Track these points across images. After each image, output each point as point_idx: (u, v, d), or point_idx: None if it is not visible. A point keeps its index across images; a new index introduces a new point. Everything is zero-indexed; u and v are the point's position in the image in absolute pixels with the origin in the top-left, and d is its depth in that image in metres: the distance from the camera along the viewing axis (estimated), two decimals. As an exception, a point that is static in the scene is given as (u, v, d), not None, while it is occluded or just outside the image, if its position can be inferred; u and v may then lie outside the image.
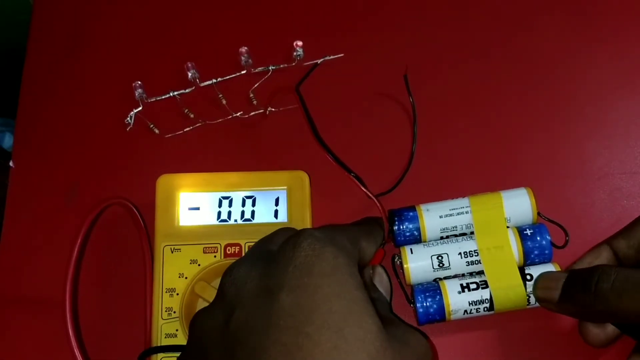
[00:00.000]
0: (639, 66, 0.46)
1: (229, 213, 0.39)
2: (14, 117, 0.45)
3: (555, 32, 0.47)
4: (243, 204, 0.39)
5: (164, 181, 0.39)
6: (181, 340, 0.36)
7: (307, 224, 0.38)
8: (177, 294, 0.36)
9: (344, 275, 0.25)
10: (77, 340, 0.36)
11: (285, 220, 0.38)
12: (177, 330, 0.36)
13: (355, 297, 0.25)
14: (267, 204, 0.39)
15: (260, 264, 0.27)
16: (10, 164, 0.44)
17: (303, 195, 0.39)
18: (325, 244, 0.26)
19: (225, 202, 0.39)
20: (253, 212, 0.39)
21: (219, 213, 0.39)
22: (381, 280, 0.36)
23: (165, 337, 0.36)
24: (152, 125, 0.44)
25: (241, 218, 0.39)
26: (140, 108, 0.44)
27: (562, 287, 0.33)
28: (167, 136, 0.44)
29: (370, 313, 0.25)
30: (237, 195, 0.39)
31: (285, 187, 0.39)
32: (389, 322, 0.27)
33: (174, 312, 0.36)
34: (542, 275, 0.36)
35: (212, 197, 0.39)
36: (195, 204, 0.39)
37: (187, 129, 0.44)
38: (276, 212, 0.39)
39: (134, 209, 0.39)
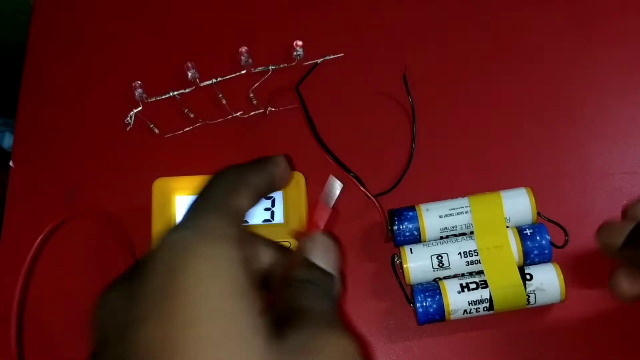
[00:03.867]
0: (639, 66, 0.46)
1: None
2: (14, 117, 0.45)
3: (556, 33, 0.47)
4: None
5: (160, 185, 0.39)
6: None
7: (304, 224, 0.38)
8: None
9: (215, 287, 0.20)
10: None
11: (282, 221, 0.38)
12: None
13: (232, 312, 0.20)
14: (263, 205, 0.39)
15: (125, 289, 0.22)
16: (10, 164, 0.44)
17: (299, 195, 0.39)
18: (187, 249, 0.21)
19: None
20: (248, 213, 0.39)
21: None
22: (324, 253, 0.26)
23: None
24: (152, 125, 0.44)
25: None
26: (140, 108, 0.44)
27: (628, 234, 0.32)
28: (167, 136, 0.44)
29: (254, 331, 0.20)
30: None
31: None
32: (301, 324, 0.22)
33: None
34: (606, 224, 0.34)
35: None
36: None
37: (187, 129, 0.44)
38: (272, 213, 0.39)
39: (113, 218, 0.39)
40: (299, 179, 0.39)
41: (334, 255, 0.26)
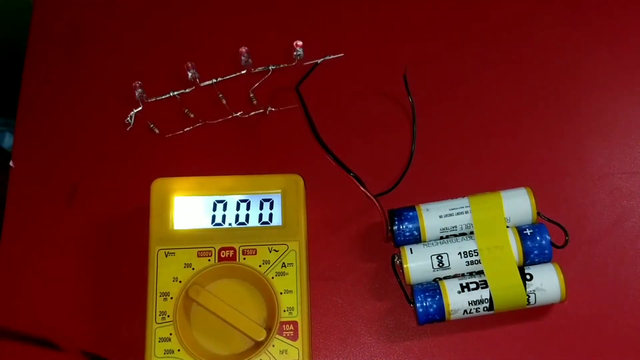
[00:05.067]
0: (639, 66, 0.46)
1: (224, 217, 0.38)
2: (14, 117, 0.45)
3: (556, 32, 0.47)
4: (237, 208, 0.39)
5: (159, 185, 0.39)
6: (174, 344, 0.36)
7: (302, 227, 0.38)
8: (171, 298, 0.36)
9: None
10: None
11: (280, 223, 0.38)
12: (170, 334, 0.36)
13: None
14: (262, 207, 0.39)
15: None
16: (10, 164, 0.44)
17: (297, 198, 0.38)
18: None
19: (220, 206, 0.39)
20: (247, 216, 0.38)
21: (214, 217, 0.38)
22: None
23: (159, 341, 0.36)
24: (152, 125, 0.44)
25: (235, 222, 0.38)
26: (140, 108, 0.44)
27: None
28: (167, 136, 0.44)
29: None
30: (232, 199, 0.39)
31: (280, 191, 0.39)
32: None
33: (168, 317, 0.36)
34: None
35: (206, 200, 0.39)
36: (189, 207, 0.39)
37: (187, 129, 0.44)
38: (270, 215, 0.38)
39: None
40: (297, 181, 0.39)
41: None
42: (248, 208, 0.39)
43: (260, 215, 0.38)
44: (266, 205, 0.39)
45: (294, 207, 0.38)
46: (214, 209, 0.39)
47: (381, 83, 0.45)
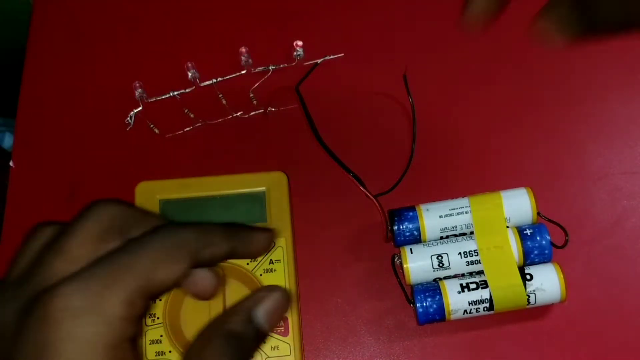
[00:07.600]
0: (639, 66, 0.46)
1: (208, 216, 0.38)
2: (14, 117, 0.45)
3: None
4: (222, 207, 0.39)
5: (143, 188, 0.39)
6: (166, 345, 0.36)
7: (287, 223, 0.38)
8: (160, 300, 0.36)
9: None
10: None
11: (265, 221, 0.38)
12: (161, 336, 0.36)
13: None
14: (246, 205, 0.39)
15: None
16: (10, 164, 0.44)
17: (281, 195, 0.39)
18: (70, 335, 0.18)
19: (204, 206, 0.39)
20: (232, 215, 0.38)
21: (199, 217, 0.38)
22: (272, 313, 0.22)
23: (150, 344, 0.36)
24: (152, 125, 0.44)
25: (220, 221, 0.38)
26: (140, 108, 0.44)
27: None
28: (167, 136, 0.44)
29: None
30: (216, 199, 0.39)
31: (264, 189, 0.39)
32: None
33: (158, 318, 0.36)
34: None
35: (190, 201, 0.39)
36: (174, 209, 0.39)
37: (187, 129, 0.44)
38: (255, 213, 0.38)
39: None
40: (281, 178, 0.39)
41: (280, 317, 0.22)
42: (232, 207, 0.39)
43: (245, 213, 0.38)
44: (251, 203, 0.39)
45: (278, 203, 0.38)
46: (199, 209, 0.38)
47: (381, 83, 0.45)
